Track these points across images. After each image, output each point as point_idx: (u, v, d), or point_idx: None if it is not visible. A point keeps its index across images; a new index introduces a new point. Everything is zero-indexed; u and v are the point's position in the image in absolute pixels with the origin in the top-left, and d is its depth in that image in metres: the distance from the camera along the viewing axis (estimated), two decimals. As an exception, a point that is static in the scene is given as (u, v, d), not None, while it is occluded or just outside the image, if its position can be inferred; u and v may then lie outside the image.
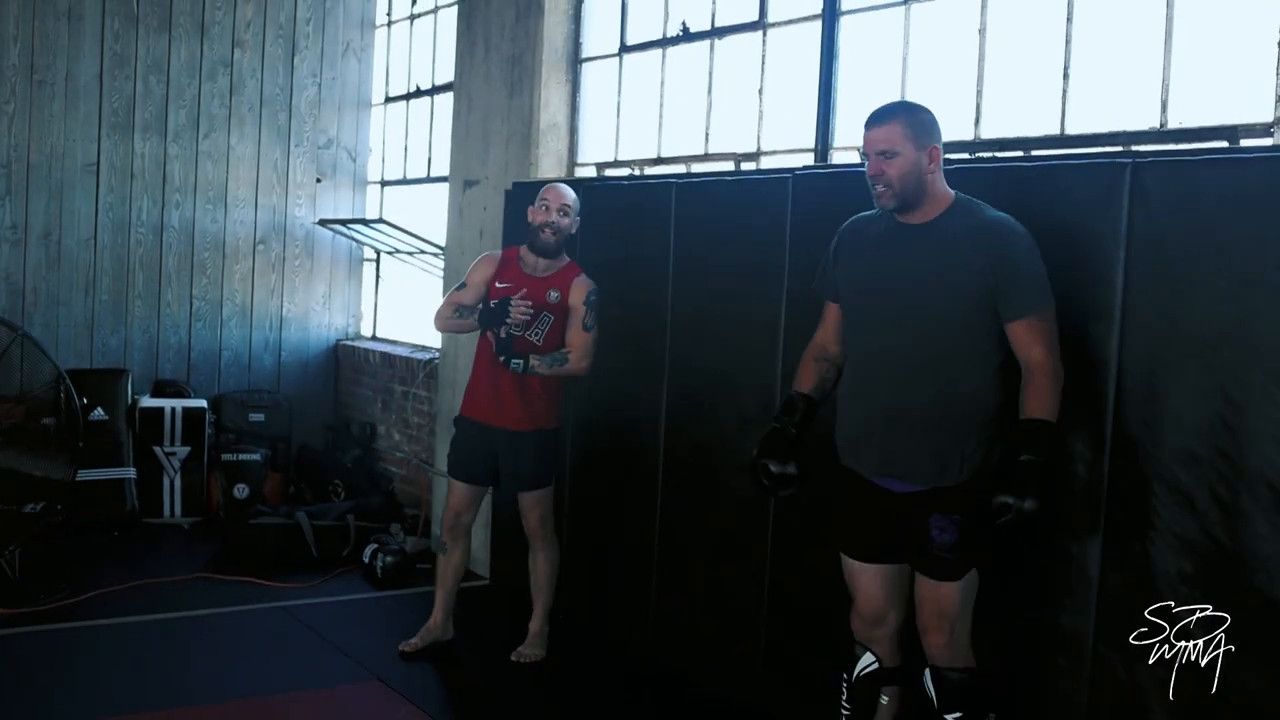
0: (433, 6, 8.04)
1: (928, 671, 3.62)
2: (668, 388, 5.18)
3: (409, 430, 7.71)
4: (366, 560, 6.60)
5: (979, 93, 4.42)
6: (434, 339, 7.70)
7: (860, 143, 3.58)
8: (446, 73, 7.75)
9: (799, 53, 5.17)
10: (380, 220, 7.68)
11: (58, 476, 6.52)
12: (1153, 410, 3.42)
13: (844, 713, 3.86)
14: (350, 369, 8.47)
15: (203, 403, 7.81)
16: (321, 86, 8.51)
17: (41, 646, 5.32)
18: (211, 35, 8.14)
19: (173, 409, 7.69)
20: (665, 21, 5.91)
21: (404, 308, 8.42)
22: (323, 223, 8.41)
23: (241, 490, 7.72)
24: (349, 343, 8.57)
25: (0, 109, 7.55)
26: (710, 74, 5.62)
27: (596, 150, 6.34)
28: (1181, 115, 3.83)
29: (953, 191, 3.55)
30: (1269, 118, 3.62)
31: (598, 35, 6.37)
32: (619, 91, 6.19)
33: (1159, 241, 3.41)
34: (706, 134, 5.62)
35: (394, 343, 8.29)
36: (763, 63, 5.32)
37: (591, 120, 6.39)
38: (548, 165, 6.34)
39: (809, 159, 5.03)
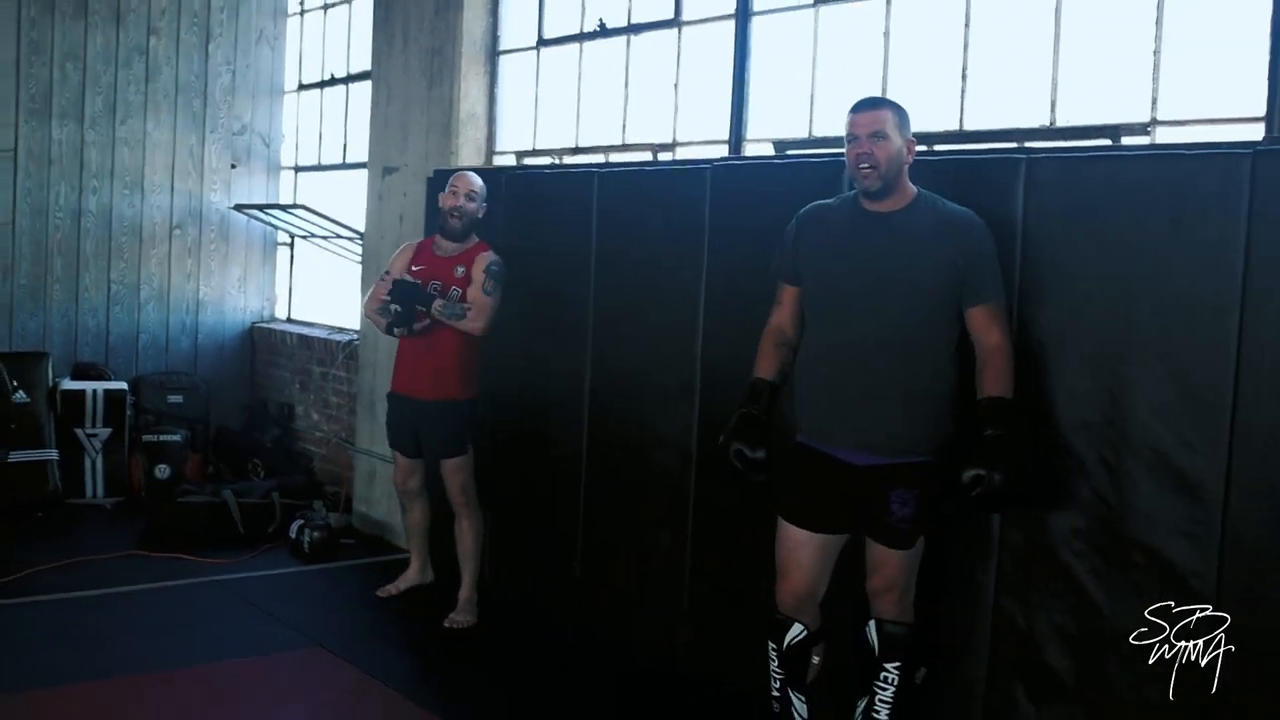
0: (347, -4, 8.24)
1: (872, 623, 3.89)
2: (591, 367, 5.48)
3: (328, 410, 7.92)
4: (293, 536, 6.80)
5: (884, 90, 4.78)
6: (351, 321, 7.92)
7: (848, 128, 3.74)
8: (361, 62, 7.96)
9: (712, 49, 5.50)
10: (298, 205, 7.87)
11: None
12: (1046, 383, 3.80)
13: (775, 678, 4.03)
14: (266, 351, 8.64)
15: (123, 385, 7.94)
16: (235, 74, 8.65)
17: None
18: (127, 22, 8.24)
19: (94, 391, 7.81)
20: (582, 17, 6.20)
21: (319, 291, 8.62)
22: (239, 208, 8.57)
23: (163, 470, 7.86)
24: (264, 325, 8.74)
25: (-85, 95, 7.61)
26: (627, 68, 5.93)
27: (515, 140, 6.61)
28: (1069, 114, 4.23)
29: (912, 185, 3.80)
30: (1146, 118, 4.03)
31: (515, 28, 6.63)
32: (537, 83, 6.48)
33: (1049, 229, 3.79)
34: (624, 125, 5.94)
35: (310, 325, 8.48)
36: (678, 58, 5.64)
37: (509, 110, 6.66)
38: (467, 154, 6.60)
39: (723, 150, 5.36)
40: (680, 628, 5.03)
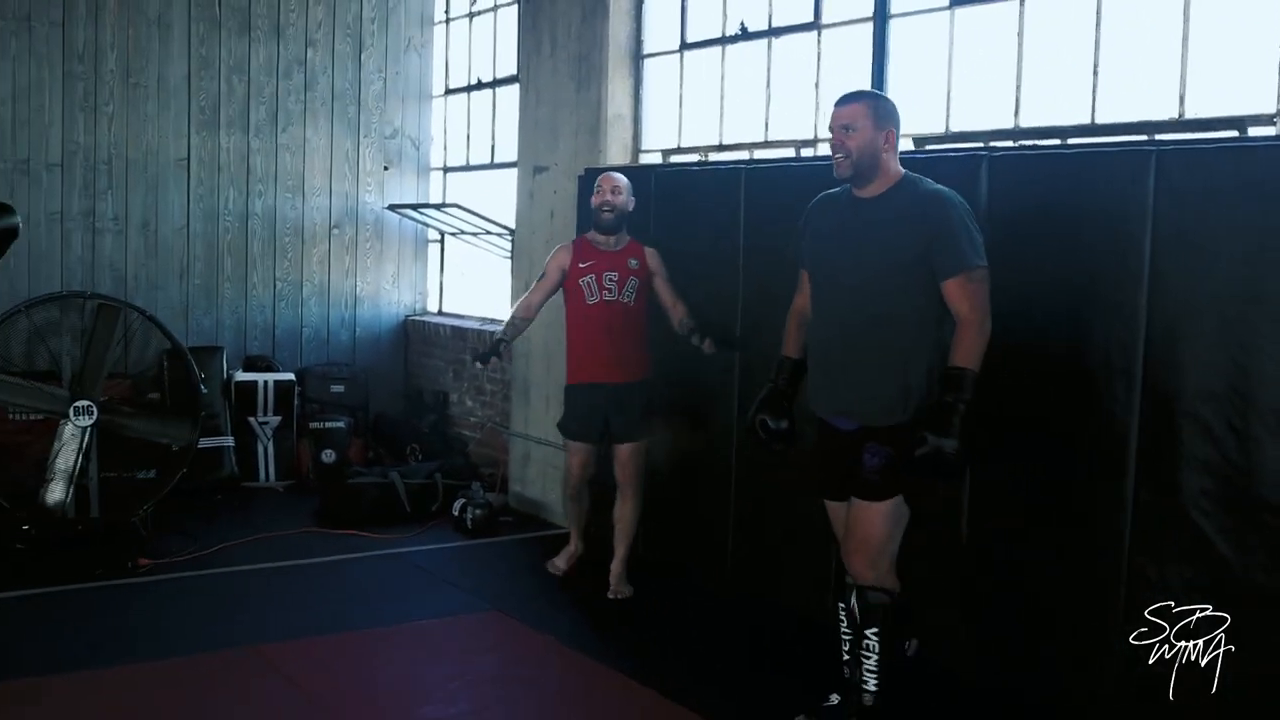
0: (492, 5, 8.69)
1: (854, 592, 4.13)
2: (740, 352, 5.84)
3: (482, 397, 8.41)
4: (456, 513, 7.29)
5: (1018, 86, 5.09)
6: (501, 312, 8.39)
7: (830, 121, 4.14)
8: (507, 67, 8.43)
9: (851, 50, 5.84)
10: (452, 204, 8.35)
11: (180, 444, 7.23)
12: (1176, 356, 4.10)
13: (845, 637, 4.29)
14: (420, 342, 9.17)
15: (291, 376, 8.52)
16: (386, 81, 9.17)
17: (187, 590, 6.04)
18: (286, 36, 8.81)
19: (265, 382, 8.39)
20: (724, 21, 6.57)
21: (468, 285, 9.11)
22: (393, 207, 9.10)
23: (329, 455, 8.41)
24: (417, 318, 9.27)
25: (100, 110, 8.22)
26: (768, 69, 6.28)
27: (660, 139, 7.01)
28: (1197, 107, 4.51)
29: (903, 170, 4.12)
30: (1272, 109, 4.31)
31: (658, 33, 7.03)
32: (680, 85, 6.86)
33: (1179, 218, 4.08)
34: (766, 123, 6.30)
35: (461, 317, 8.98)
36: (818, 59, 5.99)
37: (654, 111, 7.06)
38: (615, 153, 7.02)
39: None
40: (827, 588, 5.37)
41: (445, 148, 9.36)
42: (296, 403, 8.50)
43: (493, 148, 8.70)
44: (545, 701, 4.82)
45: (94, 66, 8.21)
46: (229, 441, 8.14)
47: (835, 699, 4.39)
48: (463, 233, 8.79)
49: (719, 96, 6.62)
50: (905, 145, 5.45)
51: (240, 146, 8.69)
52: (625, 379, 5.93)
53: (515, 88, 8.13)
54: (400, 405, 9.17)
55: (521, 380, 7.68)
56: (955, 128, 5.36)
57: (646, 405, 6.00)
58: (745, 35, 6.45)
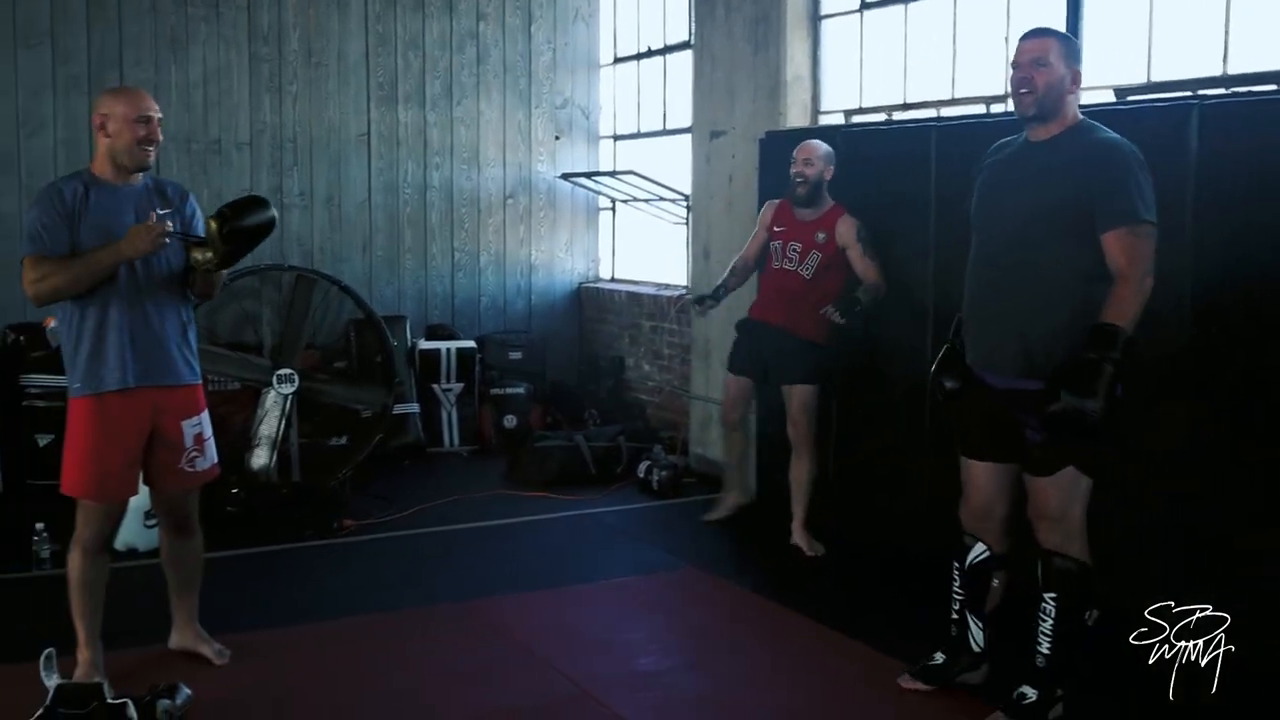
0: (660, -28, 8.75)
1: (1040, 559, 3.95)
2: (933, 317, 5.82)
3: (660, 361, 8.51)
4: (641, 475, 7.42)
5: (1226, 31, 4.96)
6: (676, 278, 8.49)
7: (1014, 55, 3.96)
8: (677, 33, 8.48)
9: (1042, 1, 5.76)
10: (627, 171, 8.44)
11: (374, 410, 7.47)
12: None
13: (956, 599, 4.27)
14: (594, 309, 9.31)
15: (472, 343, 8.72)
16: (556, 51, 9.30)
17: (392, 550, 6.25)
18: (459, 11, 8.98)
19: (447, 350, 8.61)
20: (906, -22, 6.53)
21: (642, 251, 9.20)
22: (566, 176, 9.23)
23: (510, 420, 8.61)
24: (591, 285, 9.41)
25: (285, 90, 8.49)
26: (954, 24, 6.22)
27: (841, 99, 7.00)
28: None
29: (1081, 116, 3.92)
30: None
31: (835, -7, 7.02)
32: (861, 44, 6.84)
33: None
34: (953, 80, 6.25)
35: (636, 283, 9.09)
36: (1007, 12, 5.91)
37: (833, 72, 7.05)
38: (794, 115, 7.03)
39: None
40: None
41: (615, 116, 9.45)
42: (477, 369, 8.70)
43: (664, 114, 8.77)
44: (756, 652, 4.89)
45: (278, 48, 8.48)
46: (415, 408, 8.37)
47: (940, 658, 4.36)
48: (635, 199, 8.88)
49: (902, 54, 6.58)
50: (1106, 96, 5.43)
51: (417, 121, 8.90)
52: (791, 329, 6.02)
53: (686, 54, 8.19)
54: (576, 371, 9.33)
55: (702, 342, 7.76)
56: (1157, 77, 5.26)
57: (806, 354, 6.03)
58: (928, -9, 6.40)
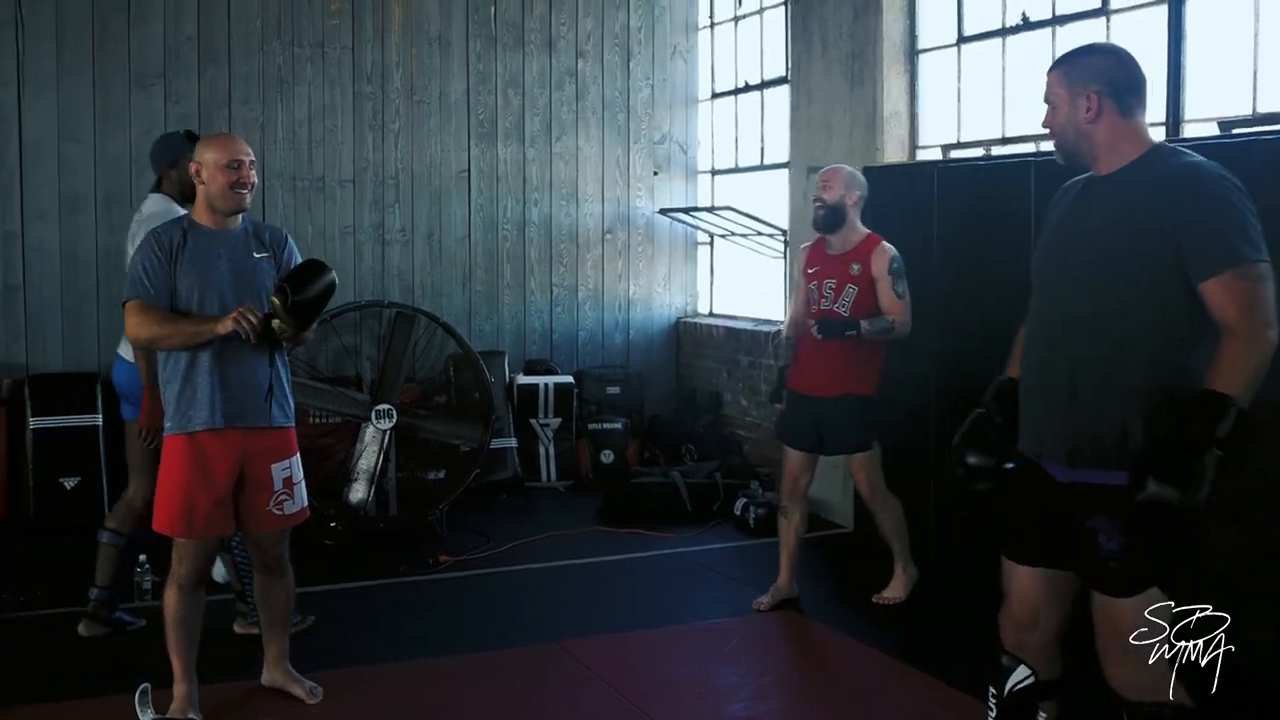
0: (758, 7, 8.73)
1: (1125, 712, 3.12)
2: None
3: (758, 397, 8.46)
4: (738, 513, 7.37)
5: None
6: (774, 313, 8.44)
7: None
8: (774, 68, 8.47)
9: (1144, 33, 5.64)
10: (724, 207, 8.43)
11: (471, 445, 7.53)
12: None
13: None
14: (691, 343, 9.29)
15: (570, 378, 8.75)
16: (654, 87, 9.34)
17: (486, 586, 6.28)
18: (558, 49, 9.06)
19: (545, 385, 8.65)
20: (1004, 12, 6.44)
21: (739, 286, 9.17)
22: (664, 211, 9.25)
23: (607, 456, 8.61)
24: (689, 320, 9.40)
25: (388, 128, 8.63)
26: (1053, 55, 6.09)
27: (938, 134, 6.92)
28: None
29: (1151, 141, 3.19)
30: None
31: (933, 28, 6.94)
32: (959, 78, 6.76)
33: None
34: (1053, 114, 6.13)
35: (734, 318, 9.06)
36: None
37: (931, 107, 6.98)
38: (891, 150, 6.97)
39: (1160, 133, 5.50)
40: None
41: (712, 151, 9.45)
42: (575, 405, 8.73)
43: (761, 149, 8.75)
44: (850, 699, 4.82)
45: (381, 86, 8.62)
46: (512, 443, 8.42)
47: None
48: (733, 234, 8.86)
49: (1000, 88, 6.49)
50: (1209, 129, 5.29)
51: (517, 157, 8.98)
52: (835, 392, 5.60)
53: (783, 89, 8.17)
54: (674, 406, 9.31)
55: (798, 380, 7.70)
56: (1263, 109, 5.13)
57: (857, 417, 5.65)
58: (1027, 25, 6.31)
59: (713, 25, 9.37)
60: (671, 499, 7.59)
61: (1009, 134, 6.45)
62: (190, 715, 4.23)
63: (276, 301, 4.16)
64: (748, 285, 9.03)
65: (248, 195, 4.35)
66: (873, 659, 5.17)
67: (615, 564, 6.69)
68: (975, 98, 6.70)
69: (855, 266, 5.55)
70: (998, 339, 5.76)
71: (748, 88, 8.92)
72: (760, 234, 8.37)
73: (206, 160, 4.29)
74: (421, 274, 8.77)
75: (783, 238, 8.11)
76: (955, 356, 6.01)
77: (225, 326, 4.13)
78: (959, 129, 6.79)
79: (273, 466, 4.37)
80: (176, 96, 8.13)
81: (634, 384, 9.11)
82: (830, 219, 5.59)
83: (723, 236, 9.13)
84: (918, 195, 6.16)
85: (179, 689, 4.37)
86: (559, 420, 8.66)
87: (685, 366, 9.40)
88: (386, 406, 7.06)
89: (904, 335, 5.55)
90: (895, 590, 5.93)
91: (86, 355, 7.87)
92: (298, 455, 4.49)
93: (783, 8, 8.27)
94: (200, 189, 4.34)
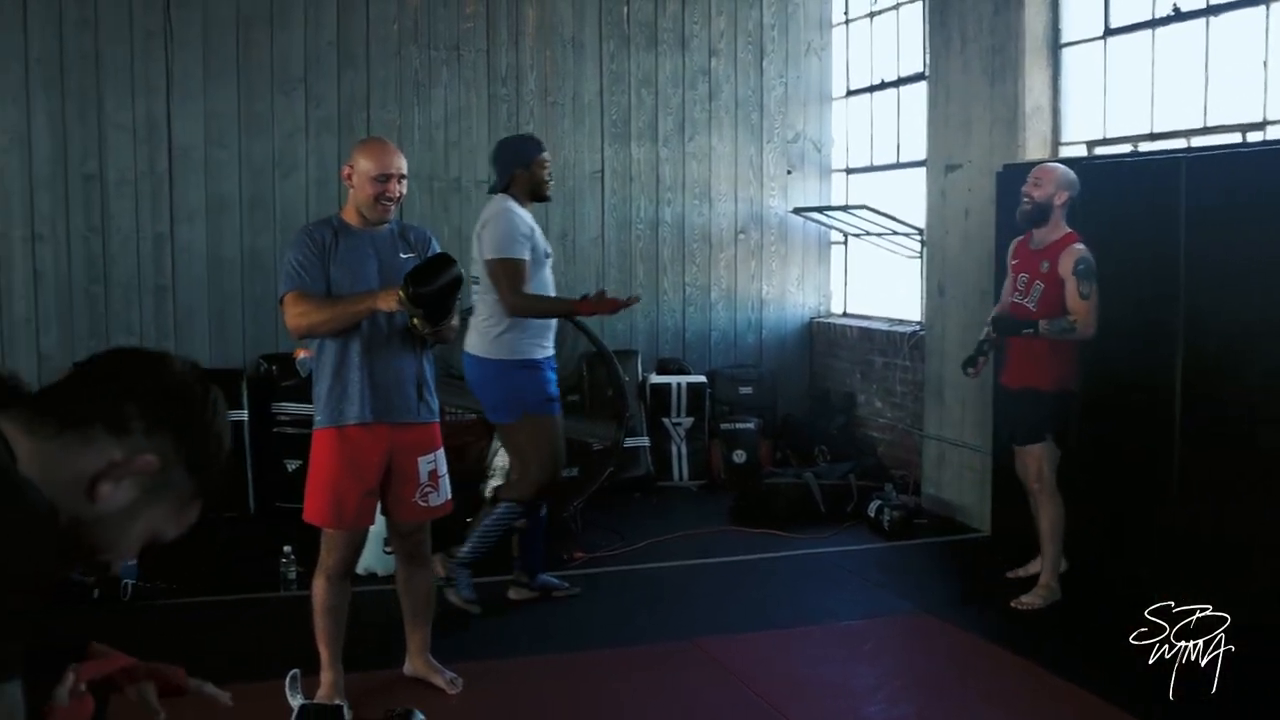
0: (894, 3, 8.63)
1: None
2: (1182, 360, 5.53)
3: (892, 398, 8.37)
4: (872, 515, 7.28)
5: None
6: (909, 313, 8.34)
7: None
8: (910, 65, 8.36)
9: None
10: (860, 206, 8.35)
11: (605, 443, 7.55)
12: None
13: None
14: (825, 344, 9.22)
15: (703, 378, 8.74)
16: (788, 85, 9.28)
17: (620, 583, 6.29)
18: (691, 48, 9.06)
19: (678, 384, 8.65)
20: (1154, 3, 6.27)
21: (874, 286, 9.08)
22: (798, 211, 9.19)
23: (739, 456, 8.58)
24: (823, 320, 9.32)
25: (522, 129, 8.67)
26: (1206, 50, 5.94)
27: (1082, 130, 6.77)
28: None
29: None
30: None
31: (1077, 21, 6.79)
32: (1104, 72, 6.60)
33: None
34: (1205, 108, 5.96)
35: (868, 318, 8.97)
36: (1266, 35, 5.61)
37: (1074, 102, 6.83)
38: (1033, 147, 6.83)
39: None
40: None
41: (847, 149, 9.37)
42: (707, 404, 8.71)
43: (898, 147, 8.65)
44: (986, 704, 4.72)
45: (515, 88, 8.71)
46: (645, 441, 8.43)
47: None
48: (868, 234, 8.78)
49: (1149, 81, 6.32)
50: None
51: (650, 157, 9.00)
52: (1017, 384, 5.77)
53: (920, 85, 8.06)
54: (806, 407, 9.25)
55: (935, 379, 7.59)
56: None
57: (1031, 410, 5.71)
58: (1179, 16, 6.13)
59: (847, 21, 9.29)
60: (804, 500, 7.54)
61: (1157, 129, 6.27)
62: (336, 701, 4.31)
63: (401, 293, 4.21)
64: (883, 285, 8.93)
65: (392, 208, 4.43)
66: (1010, 664, 5.06)
67: (748, 564, 6.66)
68: (1122, 92, 6.53)
69: (1045, 264, 5.66)
70: (1147, 341, 5.66)
71: (883, 85, 8.82)
72: (896, 233, 8.27)
73: (359, 168, 4.36)
74: (556, 273, 8.73)
75: (919, 237, 8.01)
76: (1102, 360, 5.85)
77: (387, 301, 4.17)
78: (1104, 124, 6.63)
79: (419, 459, 4.44)
80: (317, 100, 8.31)
81: (766, 384, 9.07)
82: (1034, 215, 5.68)
83: (857, 236, 9.04)
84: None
85: (326, 676, 4.45)
86: (691, 420, 8.65)
87: (818, 367, 9.33)
88: (522, 404, 7.11)
89: (1087, 336, 5.57)
90: (1036, 597, 5.80)
91: (232, 353, 8.09)
92: (442, 449, 4.57)
93: (920, 3, 8.16)
94: (350, 191, 4.42)
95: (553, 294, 5.75)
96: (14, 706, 1.35)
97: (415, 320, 4.26)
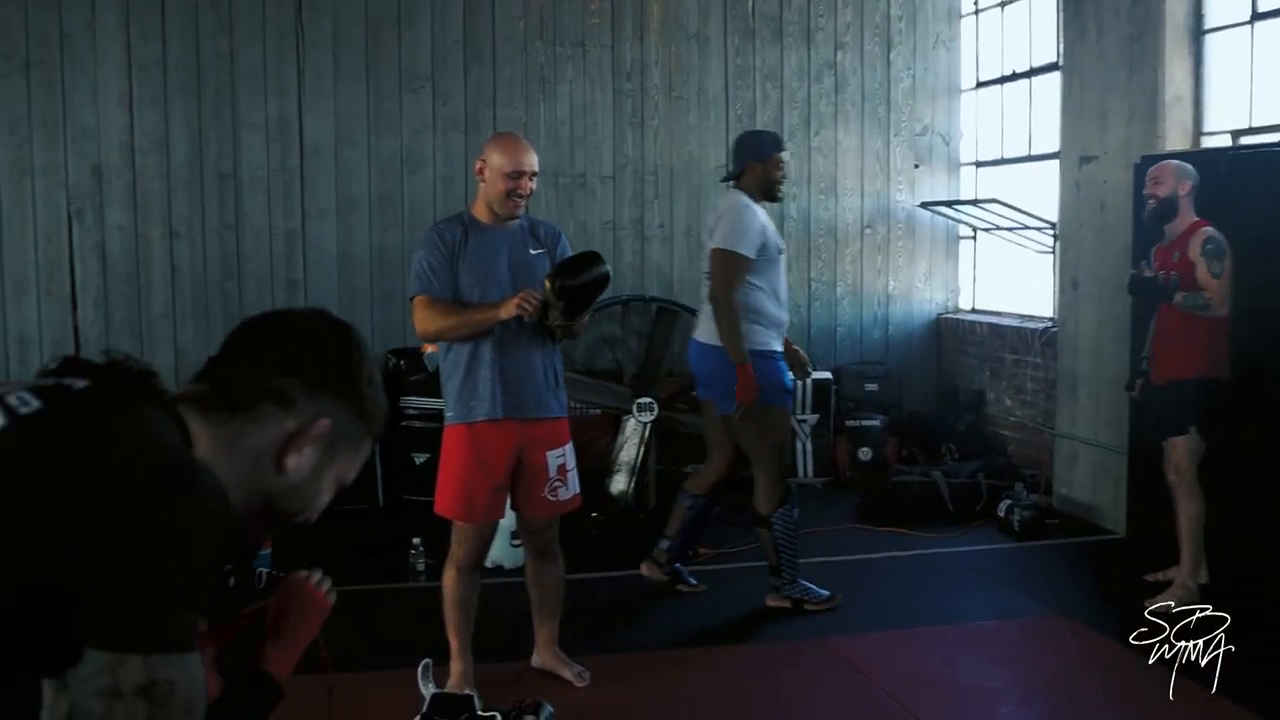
0: (1026, -7, 8.46)
1: None
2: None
3: (1022, 396, 8.19)
4: (1002, 515, 7.13)
5: None
6: (1041, 309, 8.16)
7: None
8: (1043, 55, 8.17)
9: None
10: (990, 200, 8.18)
11: (730, 439, 7.50)
12: None
13: None
14: (953, 340, 9.06)
15: (828, 374, 8.65)
16: (915, 78, 9.14)
17: (745, 579, 6.22)
18: (816, 41, 8.97)
19: (803, 382, 8.56)
20: (1303, -13, 6.05)
21: (1004, 282, 8.90)
22: (925, 205, 9.05)
23: (865, 453, 8.47)
24: (950, 316, 9.17)
25: (647, 124, 8.71)
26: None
27: (1226, 119, 6.55)
28: None
29: None
30: None
31: (1221, 7, 6.57)
32: (1251, 59, 6.38)
33: None
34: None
35: (998, 314, 8.80)
36: None
37: (1218, 90, 6.61)
38: (1174, 137, 6.62)
39: None
40: None
41: (976, 142, 9.20)
42: (833, 401, 8.62)
43: (1029, 139, 8.46)
44: (1121, 710, 4.59)
45: (640, 83, 8.71)
46: (778, 439, 8.36)
47: None
48: (998, 228, 8.60)
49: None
50: None
51: (775, 152, 8.92)
52: (1162, 378, 5.66)
53: (1054, 76, 7.88)
54: (933, 404, 9.11)
55: (1068, 377, 7.42)
56: None
57: (1172, 402, 5.61)
58: (1329, 0, 5.91)
59: (977, 11, 9.11)
60: (932, 499, 7.42)
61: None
62: (466, 691, 4.34)
63: (548, 285, 4.23)
64: (1013, 281, 8.75)
65: (523, 204, 4.44)
66: (1142, 668, 4.90)
67: (875, 562, 6.58)
68: (1270, 79, 6.30)
69: (1176, 254, 5.61)
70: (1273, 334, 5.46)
71: (1014, 75, 8.64)
72: (1027, 228, 8.09)
73: (492, 163, 4.38)
74: (680, 268, 8.81)
75: (1052, 231, 7.83)
76: (1249, 361, 5.66)
77: (508, 310, 4.22)
78: (1251, 113, 6.40)
79: (548, 454, 4.46)
80: (444, 98, 8.39)
81: (893, 381, 8.95)
82: (1162, 211, 5.65)
83: (986, 230, 8.87)
84: (1205, 184, 5.81)
85: (455, 666, 4.50)
86: (816, 416, 8.57)
87: (946, 364, 9.18)
88: (648, 400, 7.12)
89: (1220, 315, 5.50)
90: (1171, 598, 5.61)
91: (361, 347, 8.19)
92: (571, 444, 4.58)
93: (1054, -8, 7.98)
94: (481, 186, 4.44)
95: (784, 288, 5.72)
96: (196, 677, 1.43)
97: (551, 312, 4.27)
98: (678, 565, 6.00)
